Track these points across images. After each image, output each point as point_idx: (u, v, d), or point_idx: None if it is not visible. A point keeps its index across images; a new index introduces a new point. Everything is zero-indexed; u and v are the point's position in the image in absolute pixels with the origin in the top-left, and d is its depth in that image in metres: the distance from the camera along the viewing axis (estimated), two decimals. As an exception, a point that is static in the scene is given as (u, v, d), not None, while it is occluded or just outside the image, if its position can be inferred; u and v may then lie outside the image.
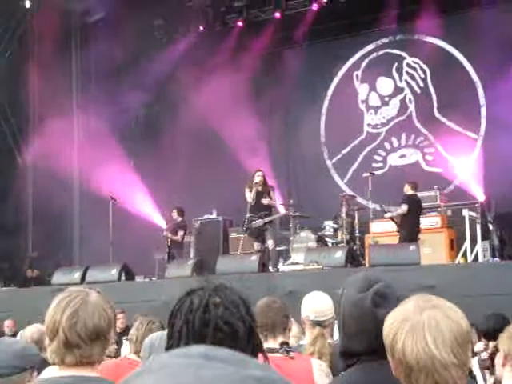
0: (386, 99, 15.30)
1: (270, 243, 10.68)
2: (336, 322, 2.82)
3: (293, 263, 11.44)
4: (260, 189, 10.79)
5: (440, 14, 13.71)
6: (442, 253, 10.95)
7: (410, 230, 10.61)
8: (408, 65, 15.05)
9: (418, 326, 1.57)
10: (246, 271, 9.54)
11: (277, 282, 9.22)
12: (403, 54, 15.08)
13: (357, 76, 15.63)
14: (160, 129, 15.85)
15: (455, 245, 11.34)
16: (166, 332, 1.66)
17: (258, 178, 10.79)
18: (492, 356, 4.44)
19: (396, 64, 15.13)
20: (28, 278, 14.17)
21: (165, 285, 9.98)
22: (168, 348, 1.59)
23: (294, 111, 15.92)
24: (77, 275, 11.03)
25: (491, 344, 4.85)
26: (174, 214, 12.94)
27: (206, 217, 13.66)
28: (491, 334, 4.84)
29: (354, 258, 10.03)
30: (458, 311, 1.64)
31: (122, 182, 13.91)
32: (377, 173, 13.09)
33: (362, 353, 2.01)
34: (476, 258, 11.02)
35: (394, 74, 15.17)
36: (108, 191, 12.92)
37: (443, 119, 14.27)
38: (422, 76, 14.84)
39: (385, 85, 15.30)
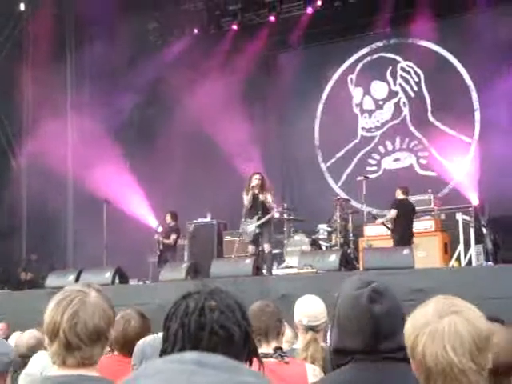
0: (381, 103, 15.33)
1: (266, 247, 10.62)
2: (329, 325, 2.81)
3: (287, 267, 11.44)
4: (257, 192, 10.60)
5: (434, 17, 13.76)
6: (435, 256, 10.95)
7: (402, 233, 10.64)
8: (402, 68, 15.08)
9: (437, 332, 1.61)
10: (240, 274, 9.48)
11: (270, 285, 9.17)
12: (397, 57, 15.11)
13: (351, 80, 15.66)
14: (154, 131, 15.81)
15: (449, 248, 11.34)
16: (157, 336, 1.66)
17: (255, 182, 10.52)
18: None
19: (390, 68, 15.17)
20: (22, 281, 14.13)
21: (159, 288, 9.93)
22: (163, 351, 1.58)
23: (288, 114, 15.93)
24: (71, 278, 10.98)
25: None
26: (168, 218, 12.93)
27: (200, 220, 13.62)
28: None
29: (348, 262, 10.00)
30: (479, 315, 1.66)
31: (117, 184, 13.87)
32: (371, 176, 13.14)
33: (357, 351, 1.98)
34: (470, 262, 11.02)
35: (389, 77, 15.21)
36: (102, 194, 12.90)
37: (437, 123, 14.31)
38: (416, 80, 14.88)
39: (379, 88, 15.33)
